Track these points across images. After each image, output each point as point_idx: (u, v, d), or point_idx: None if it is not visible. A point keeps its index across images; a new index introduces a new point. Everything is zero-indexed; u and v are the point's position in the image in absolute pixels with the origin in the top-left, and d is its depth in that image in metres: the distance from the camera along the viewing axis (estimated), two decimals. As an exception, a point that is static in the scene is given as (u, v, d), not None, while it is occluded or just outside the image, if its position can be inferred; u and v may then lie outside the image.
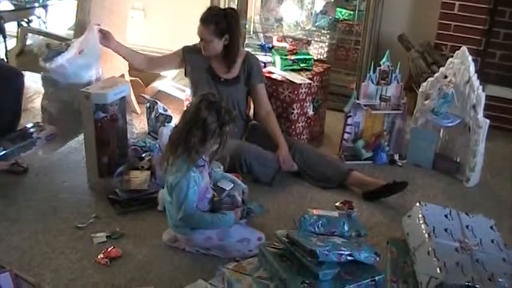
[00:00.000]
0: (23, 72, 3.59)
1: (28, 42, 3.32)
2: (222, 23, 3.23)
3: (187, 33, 5.00)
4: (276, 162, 3.23)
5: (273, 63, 3.80)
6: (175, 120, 3.56)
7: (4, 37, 3.75)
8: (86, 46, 3.12)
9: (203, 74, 3.38)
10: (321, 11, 4.72)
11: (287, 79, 3.61)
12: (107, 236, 2.68)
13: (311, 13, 4.72)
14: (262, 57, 3.85)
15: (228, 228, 2.53)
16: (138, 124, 3.82)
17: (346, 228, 2.35)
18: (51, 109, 3.22)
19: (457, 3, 4.16)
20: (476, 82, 3.31)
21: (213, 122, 2.40)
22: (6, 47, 3.78)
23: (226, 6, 4.56)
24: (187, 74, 3.48)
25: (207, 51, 3.32)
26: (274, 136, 3.34)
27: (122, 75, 3.82)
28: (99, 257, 2.52)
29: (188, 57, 3.42)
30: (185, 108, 2.60)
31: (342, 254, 2.05)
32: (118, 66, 3.70)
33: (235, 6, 4.68)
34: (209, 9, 3.36)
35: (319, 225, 2.30)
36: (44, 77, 3.14)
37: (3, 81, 3.19)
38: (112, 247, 2.58)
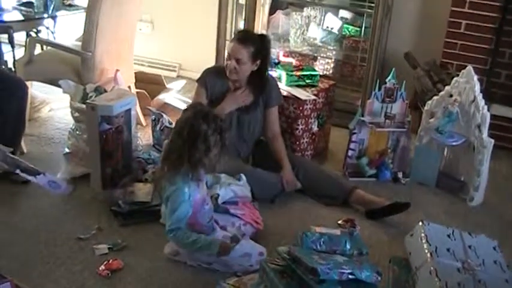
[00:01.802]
0: (29, 82, 3.63)
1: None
2: (259, 47, 3.17)
3: (195, 46, 5.08)
4: (279, 184, 3.22)
5: (279, 79, 3.81)
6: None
7: (13, 46, 3.78)
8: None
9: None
10: (327, 26, 4.73)
11: (292, 95, 3.62)
12: (108, 248, 2.67)
13: (318, 28, 4.73)
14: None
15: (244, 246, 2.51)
16: (143, 136, 3.83)
17: (348, 246, 2.35)
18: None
19: (464, 22, 4.18)
20: (481, 102, 3.31)
21: (213, 132, 2.42)
22: (14, 56, 3.80)
23: (234, 21, 4.60)
24: (206, 97, 3.29)
25: (236, 73, 3.18)
26: (279, 158, 3.32)
27: (129, 87, 3.83)
28: (100, 268, 2.52)
29: (209, 82, 3.28)
30: (176, 123, 2.57)
31: (343, 273, 2.04)
32: (125, 78, 3.72)
33: (242, 21, 4.71)
34: (246, 30, 3.35)
35: (321, 242, 2.30)
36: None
37: (7, 91, 3.20)
38: (114, 259, 2.57)
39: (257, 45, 3.16)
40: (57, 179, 2.83)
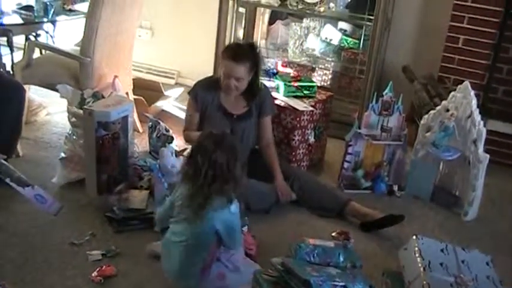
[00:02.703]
0: (27, 85, 3.63)
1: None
2: (253, 58, 3.16)
3: (194, 53, 5.09)
4: (274, 195, 3.22)
5: (277, 89, 3.81)
6: (177, 141, 3.57)
7: (11, 50, 3.78)
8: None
9: (215, 113, 3.28)
10: (326, 38, 4.75)
11: (290, 105, 3.63)
12: (102, 254, 2.67)
13: (316, 40, 4.74)
14: (266, 82, 3.87)
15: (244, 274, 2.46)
16: (139, 143, 3.82)
17: (341, 258, 2.35)
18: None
19: (462, 37, 4.20)
20: (477, 117, 3.33)
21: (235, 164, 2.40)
22: (12, 60, 3.80)
23: (233, 30, 4.61)
24: (197, 110, 3.30)
25: (236, 90, 3.19)
26: (272, 168, 3.31)
27: (126, 94, 3.84)
28: (93, 275, 2.51)
29: (199, 95, 3.28)
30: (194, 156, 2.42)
31: (336, 285, 2.04)
32: (123, 85, 3.72)
33: (242, 31, 4.72)
34: (237, 45, 3.28)
35: (315, 254, 2.30)
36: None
37: (4, 94, 3.19)
38: (107, 265, 2.57)
39: (251, 57, 3.15)
40: (45, 194, 2.79)
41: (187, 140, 3.32)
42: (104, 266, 2.56)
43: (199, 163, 2.34)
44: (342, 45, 4.74)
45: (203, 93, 3.28)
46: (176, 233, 2.42)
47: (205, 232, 2.36)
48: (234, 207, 2.39)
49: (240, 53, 3.14)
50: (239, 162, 2.40)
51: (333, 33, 4.74)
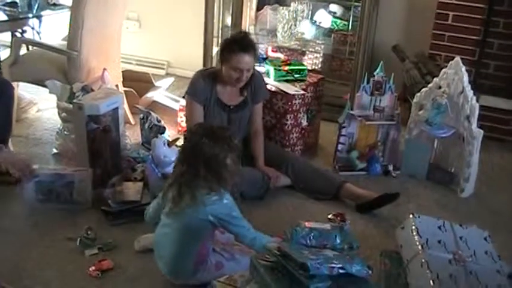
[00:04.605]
0: (16, 82, 3.59)
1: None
2: (254, 47, 3.16)
3: (183, 43, 5.06)
4: (266, 180, 3.20)
5: (267, 74, 3.79)
6: (169, 132, 3.55)
7: (-3, 47, 3.76)
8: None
9: (213, 107, 3.24)
10: (315, 21, 4.72)
11: (281, 90, 3.60)
12: (98, 248, 2.66)
13: (305, 23, 4.72)
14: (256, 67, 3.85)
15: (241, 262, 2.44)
16: (131, 135, 3.80)
17: (338, 240, 2.33)
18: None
19: (451, 13, 4.18)
20: (470, 93, 3.31)
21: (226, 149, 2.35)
22: (-1, 58, 3.78)
23: (221, 17, 4.57)
24: (200, 105, 3.25)
25: (242, 81, 3.16)
26: (257, 154, 3.31)
27: (116, 86, 3.81)
28: (90, 269, 2.50)
29: (199, 92, 3.23)
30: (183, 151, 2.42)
31: (333, 267, 2.03)
32: (112, 77, 3.70)
33: (230, 17, 4.68)
34: (241, 37, 3.19)
35: (311, 237, 2.28)
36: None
37: None
38: (104, 259, 2.56)
39: (254, 46, 3.16)
40: None
41: None
42: (101, 260, 2.55)
43: (190, 157, 2.32)
44: (332, 27, 4.72)
45: (202, 89, 3.22)
46: (167, 225, 2.41)
47: (196, 224, 2.33)
48: (228, 197, 2.37)
49: (247, 44, 3.12)
50: (232, 154, 2.36)
51: (323, 16, 4.71)
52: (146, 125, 3.66)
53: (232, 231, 2.43)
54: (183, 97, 3.34)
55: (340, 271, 2.03)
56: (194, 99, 3.22)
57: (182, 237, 2.35)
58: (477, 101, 3.35)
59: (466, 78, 3.32)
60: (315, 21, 4.70)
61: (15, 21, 3.98)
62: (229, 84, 3.22)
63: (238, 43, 3.11)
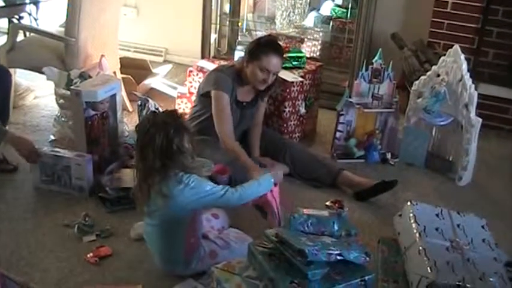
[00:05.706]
0: (13, 69, 3.57)
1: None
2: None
3: (181, 30, 5.04)
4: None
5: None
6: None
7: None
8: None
9: (231, 104, 3.19)
10: (314, 8, 4.71)
11: (279, 77, 3.59)
12: (96, 235, 2.66)
13: (304, 11, 4.70)
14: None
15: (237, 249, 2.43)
16: (129, 122, 3.79)
17: (336, 227, 2.33)
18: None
19: (450, 1, 4.17)
20: (468, 81, 3.31)
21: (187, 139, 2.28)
22: (-4, 44, 3.76)
23: (219, 4, 4.56)
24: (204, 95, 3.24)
25: (267, 83, 3.17)
26: (252, 144, 3.32)
27: (114, 73, 3.80)
28: (88, 255, 2.50)
29: (228, 89, 3.17)
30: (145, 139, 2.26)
31: (331, 254, 2.03)
32: (110, 64, 3.68)
33: (228, 4, 4.66)
34: (273, 40, 3.27)
35: (309, 224, 2.28)
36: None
37: None
38: (101, 246, 2.56)
39: (284, 52, 3.23)
40: None
41: (231, 149, 3.10)
42: (99, 247, 2.55)
43: (144, 153, 2.24)
44: (331, 15, 4.70)
45: (229, 87, 3.18)
46: (148, 224, 2.41)
47: (174, 217, 2.30)
48: (193, 179, 2.27)
49: (279, 48, 3.17)
50: (187, 134, 2.26)
51: (322, 3, 4.70)
52: (144, 112, 3.64)
53: (215, 206, 2.41)
54: (208, 93, 3.27)
55: (338, 258, 2.04)
56: (226, 92, 3.15)
57: (164, 232, 2.34)
58: (476, 89, 3.34)
59: (464, 66, 3.32)
60: (314, 8, 4.69)
61: (12, 7, 3.96)
62: (251, 84, 3.21)
63: (271, 45, 3.14)
